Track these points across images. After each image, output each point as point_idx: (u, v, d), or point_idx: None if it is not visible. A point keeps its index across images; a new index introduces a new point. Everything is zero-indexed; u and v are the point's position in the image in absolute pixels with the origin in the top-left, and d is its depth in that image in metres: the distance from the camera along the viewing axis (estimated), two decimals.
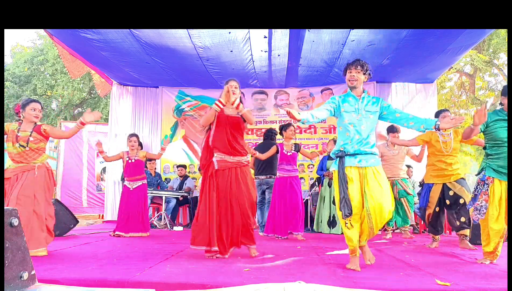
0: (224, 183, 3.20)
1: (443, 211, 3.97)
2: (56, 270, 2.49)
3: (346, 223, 2.69)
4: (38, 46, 16.90)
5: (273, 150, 4.82)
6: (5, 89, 14.72)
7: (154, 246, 3.90)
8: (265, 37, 5.23)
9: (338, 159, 2.79)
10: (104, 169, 8.31)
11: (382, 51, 5.64)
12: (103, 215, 7.80)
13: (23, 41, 28.43)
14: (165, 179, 7.28)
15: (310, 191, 6.33)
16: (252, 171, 6.10)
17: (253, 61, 6.10)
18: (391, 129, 4.92)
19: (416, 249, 3.97)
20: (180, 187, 6.86)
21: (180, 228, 5.98)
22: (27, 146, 3.22)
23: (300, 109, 7.50)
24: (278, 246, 3.95)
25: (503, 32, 11.26)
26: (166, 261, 2.89)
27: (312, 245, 4.14)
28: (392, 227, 5.13)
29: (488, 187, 2.89)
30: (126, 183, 4.99)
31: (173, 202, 6.56)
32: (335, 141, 5.35)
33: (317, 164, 6.34)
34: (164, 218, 6.17)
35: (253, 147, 5.28)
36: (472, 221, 3.56)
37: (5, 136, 3.25)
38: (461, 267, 2.86)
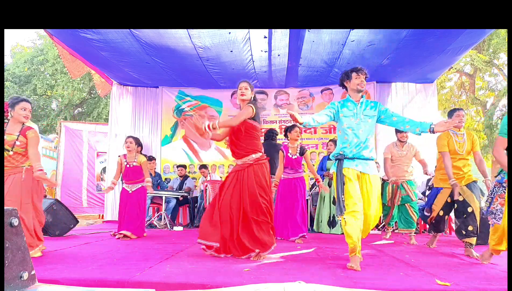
0: (230, 184, 3.28)
1: (447, 214, 3.88)
2: (56, 270, 2.49)
3: (344, 218, 2.76)
4: (38, 46, 16.91)
5: (281, 158, 4.69)
6: (5, 89, 14.71)
7: (154, 246, 3.90)
8: (265, 37, 5.23)
9: (337, 161, 2.90)
10: (104, 169, 8.31)
11: (382, 51, 5.64)
12: (103, 215, 7.80)
13: (23, 41, 28.44)
14: (165, 179, 7.28)
15: (310, 191, 6.33)
16: None
17: (253, 61, 6.10)
18: (399, 130, 4.86)
19: (416, 249, 3.97)
20: (180, 187, 6.86)
21: (180, 228, 5.98)
22: (11, 150, 3.02)
23: (300, 109, 7.50)
24: (278, 246, 3.94)
25: (503, 32, 11.26)
26: (166, 261, 2.89)
27: (312, 245, 4.14)
28: (392, 227, 5.12)
29: (505, 189, 2.80)
30: (124, 185, 4.86)
31: (173, 202, 6.56)
32: (334, 142, 5.34)
33: (317, 164, 6.34)
34: (164, 218, 6.17)
35: None
36: (478, 230, 3.52)
37: None
38: (461, 267, 2.86)
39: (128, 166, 4.81)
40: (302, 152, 4.66)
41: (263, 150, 3.43)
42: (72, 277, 2.25)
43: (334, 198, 5.12)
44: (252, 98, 3.36)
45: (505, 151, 2.77)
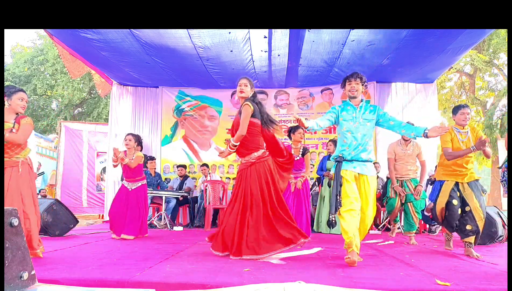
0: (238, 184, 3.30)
1: (460, 208, 3.63)
2: (56, 270, 2.49)
3: (341, 214, 2.88)
4: (38, 46, 16.92)
5: None
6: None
7: (154, 246, 3.90)
8: (265, 37, 5.23)
9: (336, 163, 3.02)
10: (104, 169, 8.32)
11: (382, 51, 5.64)
12: (103, 215, 7.80)
13: (23, 41, 28.47)
14: (165, 179, 7.28)
15: (310, 191, 6.33)
16: None
17: (253, 61, 6.10)
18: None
19: (416, 249, 3.97)
20: (180, 187, 6.86)
21: (180, 228, 5.98)
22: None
23: (300, 109, 7.51)
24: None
25: (503, 32, 11.27)
26: (166, 261, 2.89)
27: (312, 245, 4.14)
28: (398, 223, 5.10)
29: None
30: (124, 182, 4.81)
31: (173, 202, 6.56)
32: (334, 142, 5.33)
33: (317, 164, 6.35)
34: (164, 218, 6.17)
35: None
36: (478, 229, 3.44)
37: None
38: (461, 267, 2.86)
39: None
40: (304, 153, 4.66)
41: (264, 145, 3.40)
42: (72, 277, 2.25)
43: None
44: (251, 95, 3.34)
45: None
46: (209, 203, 6.17)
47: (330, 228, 5.48)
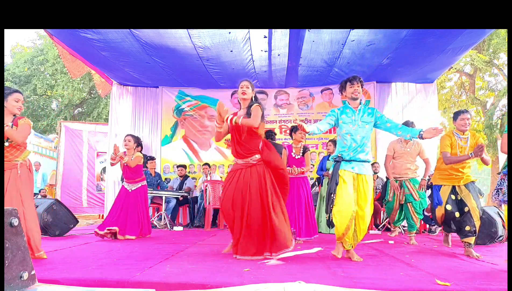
0: (234, 184, 3.23)
1: (457, 212, 3.70)
2: (56, 270, 2.49)
3: (331, 215, 3.11)
4: (38, 46, 16.92)
5: (284, 156, 4.70)
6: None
7: (154, 246, 3.90)
8: (265, 37, 5.23)
9: (335, 163, 3.17)
10: (104, 169, 8.32)
11: (382, 51, 5.64)
12: (103, 215, 7.80)
13: (23, 41, 28.48)
14: (165, 179, 7.28)
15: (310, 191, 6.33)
16: None
17: (253, 61, 6.10)
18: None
19: (416, 249, 3.97)
20: (180, 187, 6.86)
21: (180, 228, 5.98)
22: (6, 141, 2.94)
23: (300, 109, 7.52)
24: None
25: (503, 32, 11.26)
26: (166, 261, 2.89)
27: (312, 245, 4.14)
28: (399, 226, 5.09)
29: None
30: (124, 183, 4.82)
31: (173, 202, 6.56)
32: (334, 142, 5.34)
33: (317, 164, 6.35)
34: (164, 218, 6.17)
35: None
36: (476, 230, 3.48)
37: None
38: (461, 267, 2.86)
39: (126, 164, 4.76)
40: (304, 152, 4.69)
41: None
42: (72, 277, 2.25)
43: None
44: (253, 98, 3.34)
45: None
46: (209, 203, 6.17)
47: (330, 228, 5.49)
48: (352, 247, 3.11)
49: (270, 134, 5.57)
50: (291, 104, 7.57)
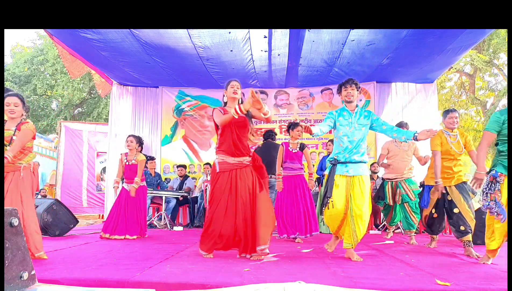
0: (227, 185, 3.16)
1: (442, 213, 3.90)
2: (56, 270, 2.49)
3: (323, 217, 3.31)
4: (38, 46, 16.92)
5: (280, 152, 4.71)
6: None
7: (154, 246, 3.90)
8: (265, 37, 5.23)
9: (331, 165, 3.26)
10: (104, 169, 8.32)
11: (382, 51, 5.64)
12: (103, 215, 7.81)
13: (23, 41, 28.45)
14: (165, 179, 7.28)
15: (310, 190, 6.33)
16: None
17: (253, 61, 6.10)
18: (400, 126, 4.87)
19: (416, 249, 3.97)
20: (180, 187, 6.86)
21: (180, 228, 5.98)
22: (9, 145, 2.97)
23: (300, 109, 7.51)
24: (278, 246, 3.95)
25: (503, 32, 11.26)
26: (166, 261, 2.89)
27: (312, 245, 4.15)
28: (393, 227, 5.11)
29: (500, 184, 2.81)
30: (124, 185, 4.85)
31: (173, 202, 6.56)
32: (333, 142, 5.35)
33: (317, 164, 6.35)
34: (164, 218, 6.17)
35: (254, 149, 5.17)
36: (471, 227, 3.56)
37: None
38: (461, 267, 2.86)
39: (127, 163, 4.82)
40: (302, 147, 4.70)
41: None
42: (72, 277, 2.25)
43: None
44: (241, 99, 3.33)
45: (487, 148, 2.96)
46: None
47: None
48: (352, 246, 3.12)
49: (270, 134, 5.58)
50: (291, 104, 7.57)
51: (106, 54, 5.77)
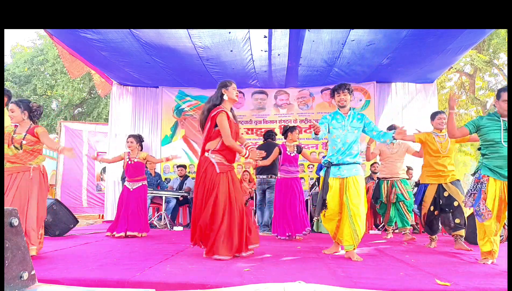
0: (228, 186, 3.23)
1: (439, 211, 3.98)
2: (56, 270, 2.49)
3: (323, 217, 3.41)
4: (38, 46, 16.90)
5: (275, 152, 4.80)
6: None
7: (154, 246, 3.90)
8: (265, 37, 5.23)
9: (324, 168, 3.37)
10: (104, 169, 8.31)
11: (382, 51, 5.64)
12: (103, 215, 7.80)
13: (23, 41, 28.45)
14: (165, 179, 7.28)
15: (310, 191, 6.34)
16: (253, 171, 6.11)
17: (253, 61, 6.10)
18: (391, 128, 4.94)
19: (416, 249, 3.97)
20: (180, 187, 6.86)
21: (180, 228, 5.98)
22: (21, 149, 3.18)
23: (300, 109, 7.51)
24: (278, 246, 3.95)
25: (503, 32, 11.26)
26: (166, 261, 2.89)
27: (312, 245, 4.15)
28: (393, 227, 5.12)
29: (484, 185, 2.97)
30: (126, 183, 4.97)
31: (173, 202, 6.56)
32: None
33: (317, 164, 6.35)
34: (164, 218, 6.17)
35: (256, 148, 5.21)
36: (466, 222, 3.75)
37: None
38: (461, 267, 2.86)
39: (129, 162, 4.93)
40: (300, 150, 4.81)
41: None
42: (72, 277, 2.25)
43: None
44: None
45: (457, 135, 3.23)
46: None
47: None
48: (354, 247, 3.13)
49: (270, 134, 5.60)
50: (291, 104, 7.57)
51: (106, 54, 5.77)
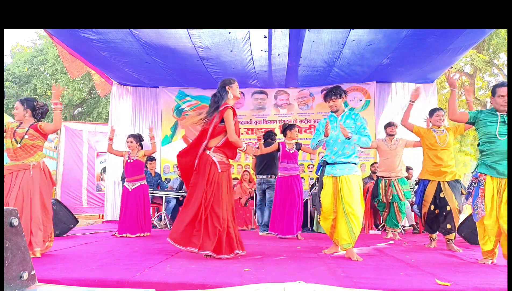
0: (228, 186, 3.26)
1: (439, 210, 3.97)
2: (56, 270, 2.49)
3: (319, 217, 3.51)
4: (38, 46, 16.89)
5: (274, 146, 4.85)
6: (5, 89, 14.72)
7: (154, 246, 3.90)
8: (265, 37, 5.23)
9: (321, 167, 3.47)
10: (104, 169, 8.32)
11: (382, 51, 5.64)
12: (103, 215, 7.80)
13: (23, 41, 28.41)
14: (165, 179, 7.28)
15: (310, 191, 6.34)
16: (253, 171, 6.11)
17: (253, 61, 6.10)
18: (388, 125, 5.00)
19: (416, 249, 3.97)
20: (180, 187, 6.85)
21: None
22: (20, 142, 3.20)
23: (300, 109, 7.51)
24: (278, 246, 3.95)
25: (503, 32, 11.25)
26: (166, 261, 2.89)
27: (312, 245, 4.15)
28: (399, 228, 5.14)
29: (481, 184, 3.01)
30: (125, 183, 5.00)
31: (173, 202, 6.55)
32: None
33: (316, 164, 6.35)
34: (164, 218, 6.17)
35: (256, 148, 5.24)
36: (456, 227, 3.84)
37: (5, 133, 3.25)
38: (461, 267, 2.86)
39: (129, 161, 4.96)
40: (299, 147, 4.89)
41: None
42: (72, 277, 2.25)
43: None
44: None
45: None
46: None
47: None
48: (352, 245, 3.14)
49: (270, 134, 5.61)
50: (291, 104, 7.57)
51: (106, 54, 5.77)
